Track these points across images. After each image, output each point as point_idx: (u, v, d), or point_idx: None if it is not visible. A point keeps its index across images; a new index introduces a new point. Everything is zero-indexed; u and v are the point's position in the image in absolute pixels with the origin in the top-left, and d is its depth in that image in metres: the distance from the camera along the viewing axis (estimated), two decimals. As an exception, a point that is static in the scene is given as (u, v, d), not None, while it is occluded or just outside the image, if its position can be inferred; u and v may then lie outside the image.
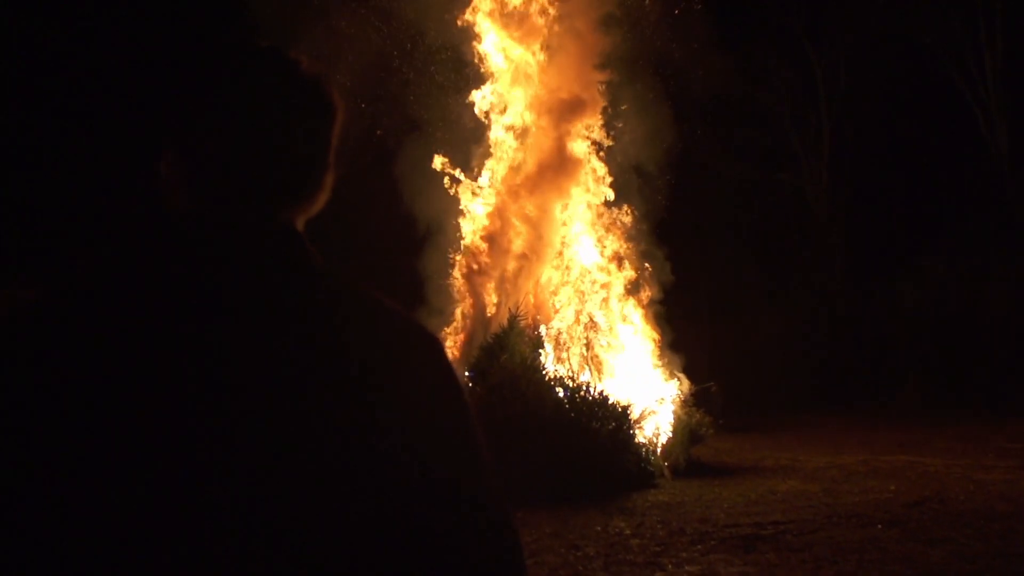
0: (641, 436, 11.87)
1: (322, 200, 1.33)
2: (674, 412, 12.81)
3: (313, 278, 1.22)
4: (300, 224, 1.30)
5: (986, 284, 21.73)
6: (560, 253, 14.33)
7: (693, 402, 13.46)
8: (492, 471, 1.25)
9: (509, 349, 11.65)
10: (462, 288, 14.36)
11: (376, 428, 1.12)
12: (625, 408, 11.65)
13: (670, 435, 12.38)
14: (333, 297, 1.22)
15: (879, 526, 8.25)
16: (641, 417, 12.08)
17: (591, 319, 13.84)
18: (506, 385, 11.03)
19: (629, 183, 14.87)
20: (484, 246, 14.14)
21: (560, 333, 13.55)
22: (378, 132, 15.58)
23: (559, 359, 13.09)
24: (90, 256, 1.19)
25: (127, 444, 1.03)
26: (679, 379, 13.88)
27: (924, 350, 21.74)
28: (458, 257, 14.55)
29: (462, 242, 14.56)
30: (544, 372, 11.84)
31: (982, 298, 21.57)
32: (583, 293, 14.06)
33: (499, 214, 14.29)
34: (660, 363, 13.97)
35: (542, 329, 13.36)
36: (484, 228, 14.33)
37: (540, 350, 12.45)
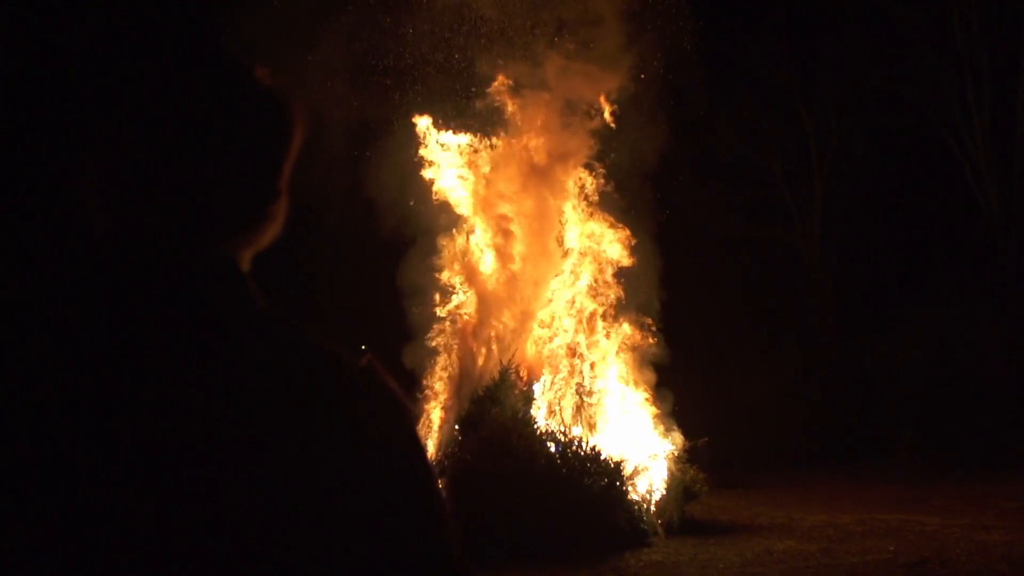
0: (634, 493, 11.65)
1: (271, 232, 1.16)
2: (668, 468, 12.60)
3: (250, 320, 1.05)
4: (245, 258, 1.13)
5: (980, 339, 21.67)
6: (551, 304, 14.24)
7: (687, 458, 13.24)
8: (449, 530, 1.09)
9: (500, 402, 11.48)
10: (451, 341, 14.22)
11: (316, 483, 0.97)
12: (618, 464, 11.45)
13: (664, 492, 12.16)
14: (272, 342, 1.04)
15: (879, 588, 8.02)
16: (634, 473, 11.87)
17: (583, 373, 13.69)
18: (497, 439, 10.83)
19: (621, 238, 14.83)
20: (474, 299, 14.05)
21: (552, 387, 13.39)
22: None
23: (551, 413, 12.90)
24: None
25: (30, 503, 0.89)
26: (672, 434, 13.69)
27: (919, 406, 21.58)
28: (447, 310, 14.44)
29: (452, 294, 14.46)
30: (535, 426, 11.66)
31: (976, 353, 21.50)
32: (575, 346, 13.93)
33: (489, 267, 14.23)
34: (653, 418, 13.79)
35: (534, 383, 13.20)
36: (475, 281, 14.24)
37: (532, 403, 12.28)
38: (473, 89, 14.58)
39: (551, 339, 14.03)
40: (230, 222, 1.10)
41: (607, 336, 14.16)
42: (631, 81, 14.56)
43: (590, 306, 14.27)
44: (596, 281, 14.43)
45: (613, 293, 14.41)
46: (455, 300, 14.31)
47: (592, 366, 13.83)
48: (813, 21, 26.02)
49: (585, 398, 13.47)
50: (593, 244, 14.50)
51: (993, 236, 23.98)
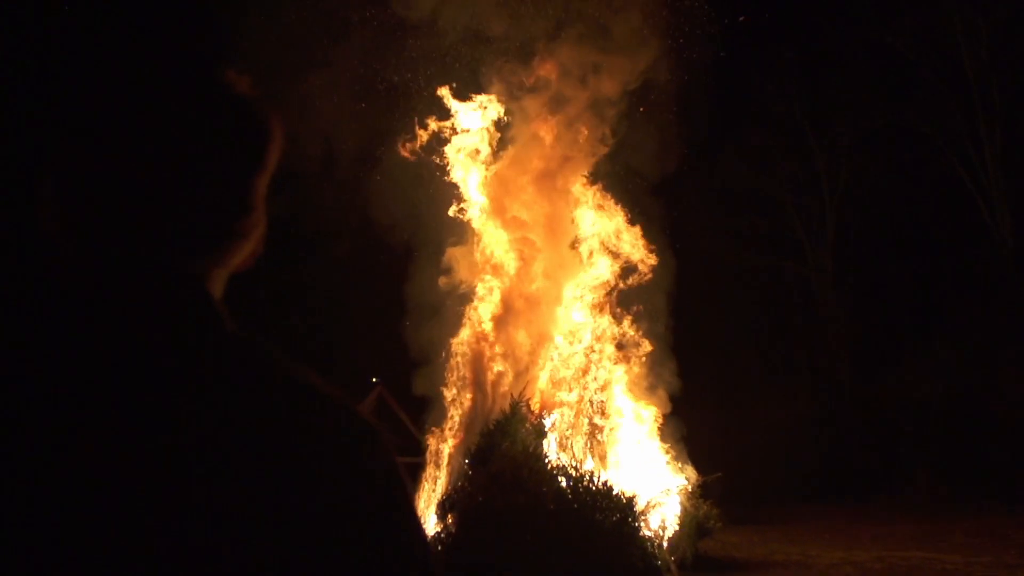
0: (646, 529, 11.45)
1: (245, 251, 1.07)
2: (681, 504, 12.40)
3: (216, 344, 0.97)
4: (217, 279, 1.04)
5: (996, 372, 21.43)
6: (569, 335, 14.15)
7: (700, 493, 13.05)
8: (426, 567, 0.99)
9: (511, 436, 11.35)
10: (464, 373, 14.12)
11: (281, 527, 0.88)
12: (630, 499, 11.27)
13: (677, 528, 11.96)
14: (238, 367, 0.95)
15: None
16: (647, 508, 11.68)
17: (595, 406, 13.55)
18: (507, 473, 10.69)
19: (634, 270, 14.78)
20: (489, 331, 13.97)
21: (564, 420, 13.25)
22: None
23: (562, 447, 12.75)
24: None
25: None
26: (685, 469, 13.51)
27: (935, 440, 21.31)
28: (461, 341, 14.35)
29: (465, 328, 14.38)
30: (547, 460, 11.50)
31: (993, 387, 21.25)
32: (587, 380, 13.81)
33: (503, 300, 14.17)
34: (666, 452, 13.62)
35: (545, 416, 13.06)
36: (489, 313, 14.17)
37: (543, 437, 12.14)
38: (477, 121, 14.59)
39: (563, 373, 13.91)
40: (198, 241, 1.01)
41: (619, 369, 14.04)
42: (644, 117, 14.60)
43: (602, 340, 14.17)
44: (608, 315, 14.34)
45: (626, 327, 14.32)
46: (465, 334, 14.24)
47: (603, 402, 13.70)
48: (823, 55, 26.14)
49: (597, 432, 13.33)
50: (605, 277, 14.44)
51: (1008, 268, 23.80)
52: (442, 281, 14.40)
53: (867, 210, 26.17)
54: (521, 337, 13.87)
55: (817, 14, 25.76)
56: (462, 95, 14.58)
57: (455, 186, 14.70)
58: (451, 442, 13.30)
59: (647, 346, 14.36)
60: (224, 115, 1.03)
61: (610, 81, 14.37)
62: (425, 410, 14.67)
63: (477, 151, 14.57)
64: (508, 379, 13.55)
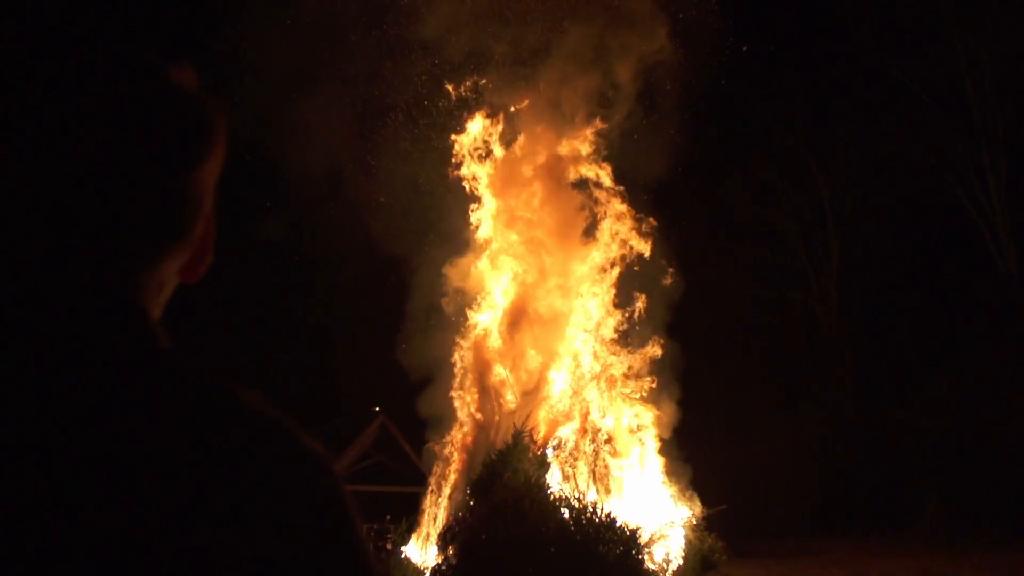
0: (651, 562, 11.30)
1: (185, 257, 0.97)
2: (685, 536, 12.25)
3: (151, 368, 0.86)
4: (157, 295, 0.95)
5: (1003, 402, 21.24)
6: (566, 368, 14.06)
7: (705, 526, 12.89)
8: None
9: (513, 467, 11.23)
10: (466, 403, 14.04)
11: (210, 561, 0.80)
12: (634, 531, 11.12)
13: (681, 561, 11.81)
14: (170, 391, 0.85)
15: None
16: (651, 541, 11.53)
17: (598, 437, 13.44)
18: (509, 504, 10.56)
19: (638, 300, 14.72)
20: (495, 361, 13.90)
21: (567, 451, 13.13)
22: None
23: (565, 478, 12.62)
24: None
25: None
26: (690, 501, 13.36)
27: (944, 472, 21.08)
28: (464, 370, 14.28)
29: (467, 357, 14.31)
30: (549, 491, 11.38)
31: (1000, 417, 21.05)
32: (591, 410, 13.71)
33: (507, 329, 14.12)
34: (670, 484, 13.49)
35: (548, 447, 12.95)
36: (492, 344, 14.11)
37: (545, 468, 12.02)
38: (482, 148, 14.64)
39: (566, 403, 13.82)
40: (120, 247, 0.91)
41: (623, 400, 13.94)
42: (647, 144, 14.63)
43: (606, 369, 14.08)
44: (612, 345, 14.27)
45: (630, 358, 14.23)
46: (465, 357, 14.18)
47: (608, 434, 13.58)
48: (828, 86, 26.27)
49: (600, 463, 13.20)
50: (609, 305, 14.39)
51: (1013, 298, 23.70)
52: (444, 302, 14.38)
53: (872, 241, 26.13)
54: (527, 362, 13.80)
55: (822, 46, 25.93)
56: (469, 110, 14.69)
57: (462, 206, 14.74)
58: (453, 474, 13.19)
59: (652, 378, 14.28)
60: (172, 111, 0.94)
61: (612, 114, 14.45)
62: (428, 439, 14.57)
63: (479, 171, 14.64)
64: (513, 403, 13.46)
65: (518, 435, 11.87)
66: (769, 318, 27.05)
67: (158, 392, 0.85)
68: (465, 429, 13.85)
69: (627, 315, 14.38)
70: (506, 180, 14.62)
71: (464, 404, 14.01)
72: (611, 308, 14.36)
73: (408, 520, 13.64)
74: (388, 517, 15.21)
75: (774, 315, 27.06)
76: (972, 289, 24.69)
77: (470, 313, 14.45)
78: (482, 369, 13.92)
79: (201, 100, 0.97)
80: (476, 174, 14.68)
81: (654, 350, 14.25)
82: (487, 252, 14.55)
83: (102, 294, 0.89)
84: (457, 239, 14.67)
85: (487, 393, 13.77)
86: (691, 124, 15.09)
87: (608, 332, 14.25)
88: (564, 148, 14.69)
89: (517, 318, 14.13)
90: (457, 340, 14.35)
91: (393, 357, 14.25)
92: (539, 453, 12.24)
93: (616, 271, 14.45)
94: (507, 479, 10.97)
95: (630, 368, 14.10)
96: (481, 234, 14.65)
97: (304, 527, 0.84)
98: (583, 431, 13.41)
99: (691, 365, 15.65)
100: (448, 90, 14.66)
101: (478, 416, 13.69)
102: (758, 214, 26.82)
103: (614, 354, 14.13)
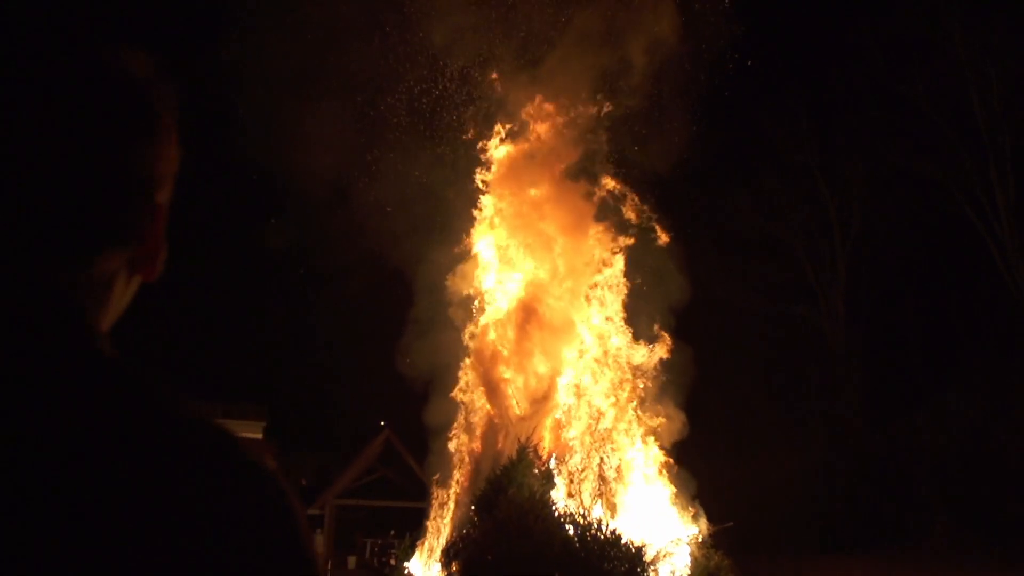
0: (656, 579, 11.20)
1: (137, 259, 0.90)
2: (691, 554, 12.14)
3: (87, 373, 0.80)
4: (102, 294, 0.88)
5: (1012, 419, 21.08)
6: (572, 382, 13.99)
7: (711, 543, 12.77)
8: None
9: (517, 483, 11.16)
10: (474, 407, 13.97)
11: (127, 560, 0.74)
12: (639, 548, 11.03)
13: (687, 579, 11.71)
14: (100, 397, 0.79)
15: None
16: (656, 558, 11.43)
17: (604, 454, 13.35)
18: (513, 521, 10.48)
19: (644, 317, 14.67)
20: (502, 364, 13.85)
21: (572, 467, 13.04)
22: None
23: (570, 494, 12.53)
24: None
25: None
26: (696, 517, 13.25)
27: (953, 487, 20.91)
28: (467, 382, 14.23)
29: (472, 372, 14.26)
30: (554, 507, 11.30)
31: (1009, 433, 20.88)
32: (596, 426, 13.63)
33: (515, 333, 14.08)
34: (676, 500, 13.38)
35: (553, 462, 12.87)
36: (499, 347, 14.06)
37: (550, 484, 11.94)
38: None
39: (572, 418, 13.74)
40: (50, 246, 0.84)
41: (629, 415, 13.85)
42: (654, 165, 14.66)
43: (612, 385, 14.01)
44: (619, 359, 14.20)
45: (636, 372, 14.17)
46: (468, 377, 14.12)
47: (613, 447, 13.50)
48: (835, 102, 26.26)
49: (606, 479, 13.11)
50: (617, 322, 14.33)
51: (1021, 313, 23.56)
52: (451, 311, 14.36)
53: (879, 256, 26.05)
54: (530, 382, 13.73)
55: (829, 62, 25.94)
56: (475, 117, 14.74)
57: (468, 210, 14.76)
58: (456, 487, 13.11)
59: (659, 393, 14.21)
60: (113, 97, 0.87)
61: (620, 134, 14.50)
62: (433, 447, 14.51)
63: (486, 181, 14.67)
64: (522, 409, 13.39)
65: (522, 450, 11.80)
66: (776, 333, 26.95)
67: (86, 397, 0.79)
68: (472, 435, 13.78)
69: (634, 323, 14.34)
70: (513, 185, 14.62)
71: (471, 410, 13.95)
72: (619, 316, 14.31)
73: (412, 535, 13.56)
74: (392, 532, 15.16)
75: (781, 330, 26.95)
76: (980, 304, 24.57)
77: (476, 316, 14.41)
78: (489, 374, 13.85)
79: (143, 85, 0.89)
80: (483, 178, 14.70)
81: (661, 353, 14.19)
82: (494, 255, 14.54)
83: (17, 293, 0.83)
84: (463, 246, 14.67)
85: (494, 396, 13.69)
86: (699, 140, 15.06)
87: (616, 341, 14.18)
88: (571, 151, 14.70)
89: (525, 321, 14.08)
90: (464, 343, 14.31)
91: (397, 368, 14.21)
92: (544, 469, 12.16)
93: (624, 282, 14.41)
94: (511, 495, 10.90)
95: (637, 378, 14.03)
96: (487, 238, 14.64)
97: (249, 536, 0.79)
98: (589, 447, 13.33)
99: (697, 380, 15.57)
100: (452, 94, 14.72)
101: (487, 421, 13.62)
102: (765, 229, 26.77)
103: (621, 364, 14.06)
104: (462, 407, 14.14)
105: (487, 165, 14.72)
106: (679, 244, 15.06)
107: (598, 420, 13.63)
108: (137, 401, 0.80)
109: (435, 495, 13.62)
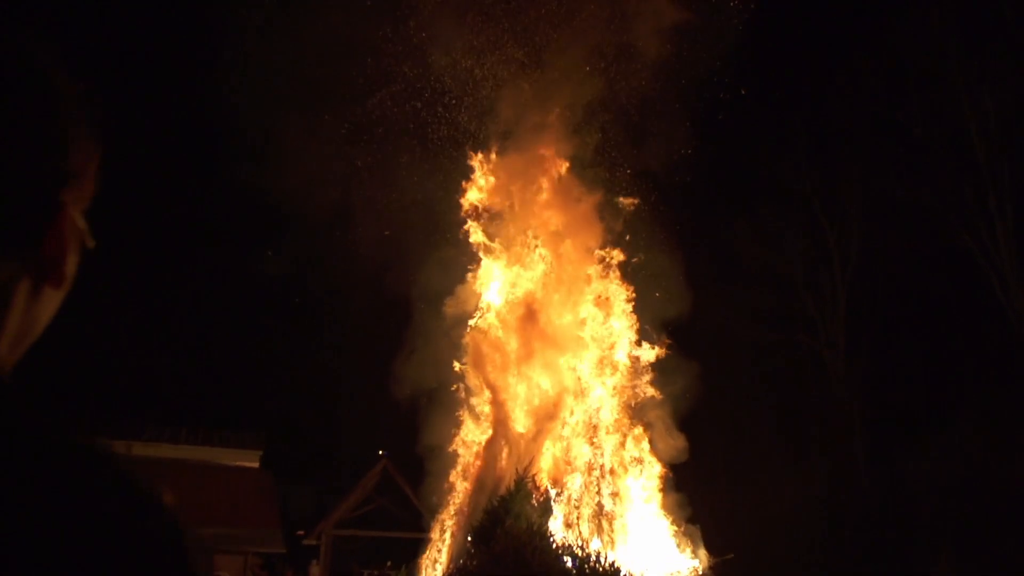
0: (656, 612, 11.04)
1: (16, 264, 0.79)
2: (691, 586, 11.98)
3: None
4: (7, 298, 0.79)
5: (1015, 452, 20.91)
6: (572, 412, 13.87)
7: (712, 575, 12.61)
8: None
9: (515, 513, 11.02)
10: (468, 445, 13.84)
11: None
12: (638, 581, 10.89)
13: (687, 611, 11.53)
14: None
15: None
16: (656, 591, 11.28)
17: (603, 484, 13.21)
18: (510, 553, 10.34)
19: (645, 345, 14.59)
20: (490, 409, 13.73)
21: (571, 497, 12.90)
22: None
23: (568, 525, 12.38)
24: None
25: None
26: (696, 549, 13.08)
27: (954, 523, 20.69)
28: (467, 418, 14.11)
29: (472, 399, 14.15)
30: (552, 538, 11.15)
31: (1012, 467, 20.71)
32: (596, 456, 13.50)
33: (511, 375, 13.98)
34: (676, 532, 13.22)
35: (552, 493, 12.72)
36: (493, 389, 13.94)
37: (548, 515, 11.80)
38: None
39: (571, 448, 13.61)
40: None
41: (629, 445, 13.73)
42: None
43: (612, 415, 13.89)
44: (618, 390, 14.10)
45: (636, 403, 14.07)
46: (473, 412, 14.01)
47: (613, 476, 13.36)
48: (834, 131, 26.32)
49: (604, 509, 12.96)
50: (615, 353, 14.24)
51: (1022, 344, 23.45)
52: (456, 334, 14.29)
53: (879, 286, 25.99)
54: (529, 411, 13.62)
55: (827, 91, 26.03)
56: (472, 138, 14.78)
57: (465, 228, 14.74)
58: (452, 518, 12.96)
59: (659, 424, 14.10)
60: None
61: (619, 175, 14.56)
62: (429, 482, 14.36)
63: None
64: (525, 426, 13.27)
65: (520, 481, 11.67)
66: (776, 364, 26.83)
67: None
68: (472, 451, 13.62)
69: (635, 349, 14.27)
70: (512, 206, 14.63)
71: (469, 429, 13.83)
72: (622, 341, 14.24)
73: (408, 567, 13.39)
74: (388, 563, 14.97)
75: (781, 361, 26.83)
76: (981, 335, 24.46)
77: (476, 334, 14.32)
78: (490, 390, 13.72)
79: (42, 69, 0.81)
80: (479, 200, 14.71)
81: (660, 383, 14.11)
82: (493, 275, 14.50)
83: None
84: (462, 268, 14.65)
85: (495, 415, 13.55)
86: (698, 168, 15.09)
87: (620, 357, 14.10)
88: (567, 163, 14.73)
89: (525, 341, 14.00)
90: (463, 362, 14.23)
91: (394, 393, 14.11)
92: (542, 500, 12.03)
93: (626, 308, 14.36)
94: (509, 526, 10.76)
95: (637, 404, 13.93)
96: (487, 260, 14.63)
97: (136, 565, 0.72)
98: (588, 478, 13.19)
99: (697, 409, 15.47)
100: (450, 117, 14.77)
101: (487, 441, 13.47)
102: (765, 259, 26.72)
103: (620, 402, 13.95)
104: (460, 428, 14.04)
105: (483, 184, 14.74)
106: (680, 272, 15.03)
107: (598, 449, 13.50)
108: (13, 428, 0.73)
109: (432, 525, 13.47)
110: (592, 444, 13.57)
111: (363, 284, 14.88)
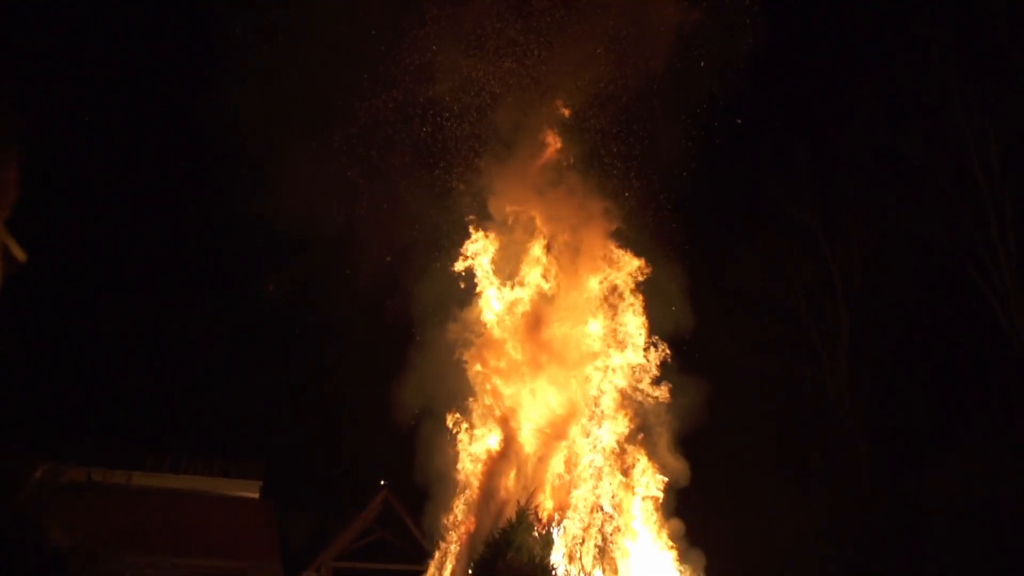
0: (659, 646, 10.91)
1: None
2: (695, 620, 11.85)
3: None
4: None
5: (1019, 480, 20.77)
6: (573, 445, 13.78)
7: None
8: None
9: (516, 546, 10.92)
10: (470, 477, 13.74)
11: None
12: (641, 614, 10.77)
13: (690, 645, 11.40)
14: None
15: None
16: (659, 625, 11.15)
17: (606, 514, 13.10)
18: (512, 586, 10.24)
19: (647, 378, 14.53)
20: (498, 438, 13.66)
21: (573, 529, 12.77)
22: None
23: (571, 557, 12.26)
24: None
25: None
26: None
27: (958, 551, 20.53)
28: (468, 445, 14.02)
29: (473, 432, 14.07)
30: (554, 571, 11.04)
31: (1016, 495, 20.56)
32: (598, 487, 13.39)
33: (513, 404, 13.93)
34: (679, 564, 13.10)
35: (554, 525, 12.61)
36: (496, 418, 13.88)
37: (550, 548, 11.69)
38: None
39: (573, 481, 13.51)
40: None
41: (631, 477, 13.63)
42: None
43: (615, 446, 13.81)
44: (621, 423, 14.02)
45: (639, 433, 14.00)
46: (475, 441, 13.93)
47: (616, 508, 13.25)
48: (835, 161, 26.39)
49: (608, 540, 12.84)
50: (619, 382, 14.18)
51: (1025, 373, 23.35)
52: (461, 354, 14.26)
53: (882, 316, 25.95)
54: (531, 443, 13.55)
55: (829, 121, 26.13)
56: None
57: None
58: (454, 549, 12.85)
59: (661, 454, 14.02)
60: None
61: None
62: (431, 509, 14.26)
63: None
64: (516, 486, 13.16)
65: (522, 513, 11.58)
66: (779, 393, 26.73)
67: None
68: (475, 475, 13.50)
69: (638, 378, 14.22)
70: (515, 231, 14.67)
71: (476, 442, 13.74)
72: (625, 369, 14.19)
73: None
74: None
75: (784, 390, 26.73)
76: (984, 364, 24.37)
77: (480, 353, 14.29)
78: (497, 404, 13.66)
79: None
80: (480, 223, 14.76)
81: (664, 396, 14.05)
82: (497, 295, 14.50)
83: None
84: (465, 288, 14.67)
85: (503, 428, 13.48)
86: (700, 198, 15.13)
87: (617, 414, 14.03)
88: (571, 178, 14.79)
89: (528, 362, 13.96)
90: (468, 382, 14.19)
91: (396, 418, 14.06)
92: (544, 532, 11.92)
93: (631, 334, 14.32)
94: (509, 559, 10.66)
95: (637, 445, 13.84)
96: (491, 283, 14.63)
97: None
98: (590, 509, 13.08)
99: (700, 440, 15.37)
100: (450, 132, 14.85)
101: (491, 459, 13.37)
102: (767, 289, 26.70)
103: (621, 432, 13.86)
104: (462, 452, 13.96)
105: (484, 206, 14.81)
106: (684, 302, 15.02)
107: (599, 480, 13.41)
108: None
109: (433, 555, 13.37)
110: (595, 475, 13.48)
111: (364, 309, 14.86)
